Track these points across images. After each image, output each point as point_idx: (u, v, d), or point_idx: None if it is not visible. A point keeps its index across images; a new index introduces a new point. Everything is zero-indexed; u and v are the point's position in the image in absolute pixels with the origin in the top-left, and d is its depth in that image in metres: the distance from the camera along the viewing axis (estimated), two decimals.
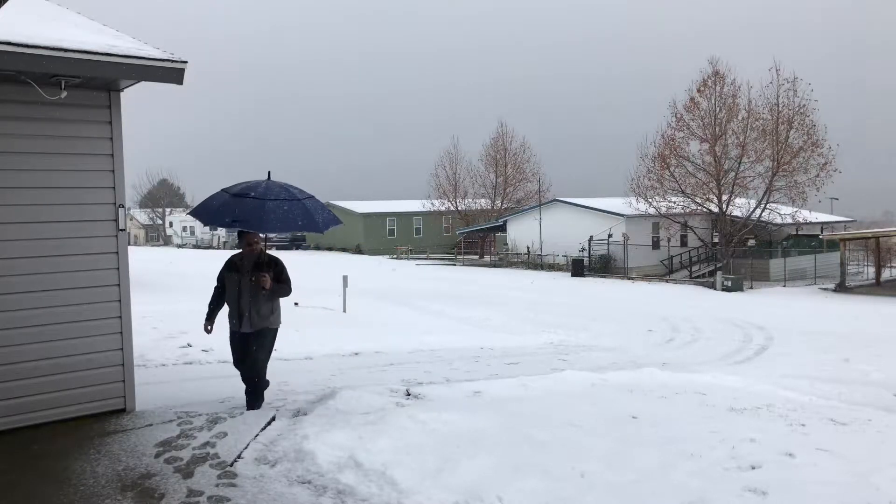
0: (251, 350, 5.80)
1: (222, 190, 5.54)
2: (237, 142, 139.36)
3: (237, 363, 5.95)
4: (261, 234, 5.84)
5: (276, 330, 5.96)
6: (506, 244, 44.78)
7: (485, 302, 20.55)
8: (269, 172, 5.72)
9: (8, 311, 4.78)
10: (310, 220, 5.39)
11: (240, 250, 5.99)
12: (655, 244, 37.58)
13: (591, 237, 35.98)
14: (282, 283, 5.90)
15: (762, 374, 9.63)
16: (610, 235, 35.79)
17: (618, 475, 4.20)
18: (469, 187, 53.52)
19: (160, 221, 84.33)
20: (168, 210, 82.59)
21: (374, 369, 9.10)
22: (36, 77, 4.57)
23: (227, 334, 5.96)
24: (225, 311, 5.98)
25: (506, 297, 22.59)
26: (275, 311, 5.88)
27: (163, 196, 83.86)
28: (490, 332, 14.39)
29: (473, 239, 50.22)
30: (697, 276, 34.66)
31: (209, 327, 5.92)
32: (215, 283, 5.97)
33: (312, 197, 5.68)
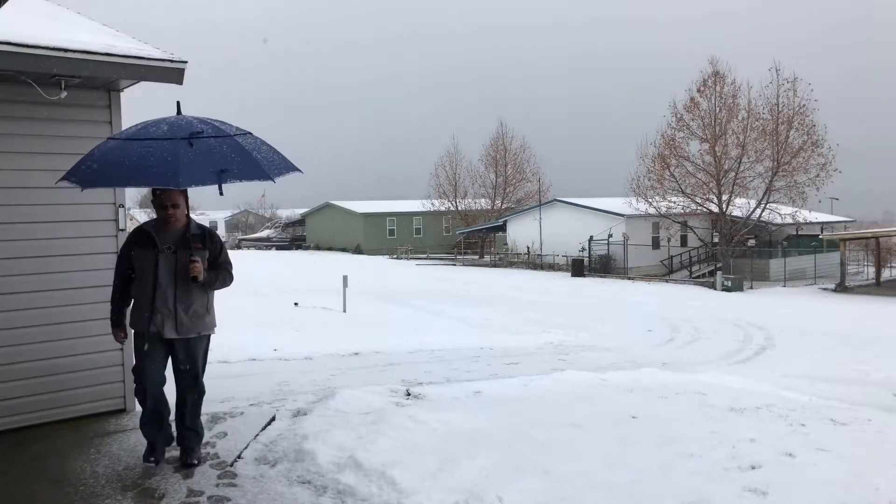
0: (178, 368, 4.16)
1: (109, 138, 3.99)
2: None
3: (148, 384, 4.10)
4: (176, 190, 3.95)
5: (209, 338, 4.27)
6: (506, 244, 44.80)
7: (485, 302, 20.56)
8: (177, 103, 3.99)
9: (8, 311, 4.78)
10: (248, 163, 3.65)
11: (153, 218, 4.19)
12: (655, 244, 37.59)
13: (591, 237, 35.98)
14: (220, 269, 4.16)
15: (762, 374, 9.62)
16: (610, 235, 35.79)
17: (618, 475, 4.20)
18: (469, 187, 53.60)
19: None
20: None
21: (374, 369, 9.10)
22: (36, 77, 4.57)
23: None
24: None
25: (506, 297, 22.59)
26: (210, 310, 4.17)
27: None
28: (490, 332, 14.40)
29: (473, 239, 50.23)
30: (697, 276, 34.68)
31: (122, 334, 4.21)
32: (116, 267, 4.17)
33: (249, 133, 3.94)
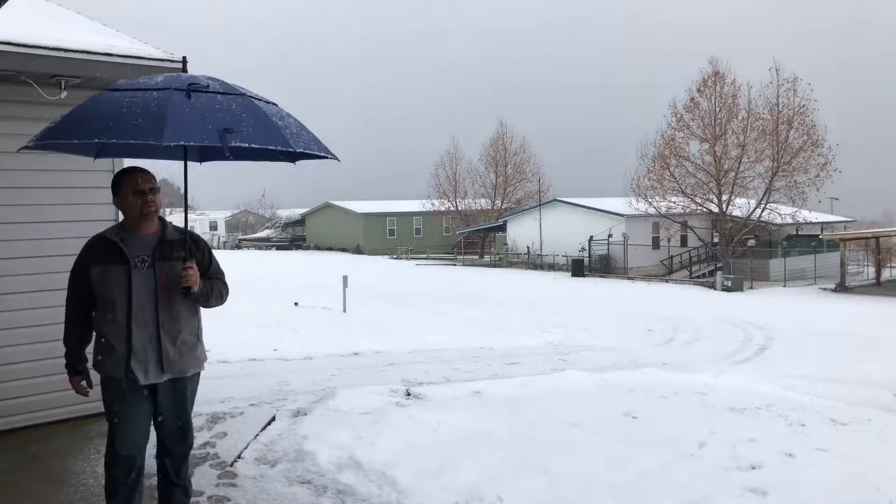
0: (162, 418, 3.16)
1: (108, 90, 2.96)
2: None
3: (127, 448, 3.08)
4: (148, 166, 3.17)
5: (199, 375, 3.32)
6: (506, 244, 44.78)
7: (485, 302, 20.55)
8: (183, 59, 3.22)
9: (7, 312, 4.79)
10: (263, 126, 2.80)
11: (116, 224, 3.21)
12: (655, 244, 37.58)
13: (591, 237, 35.97)
14: (214, 280, 3.25)
15: (762, 374, 9.63)
16: (610, 235, 35.79)
17: (618, 475, 4.20)
18: (469, 187, 53.57)
19: None
20: (168, 210, 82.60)
21: (374, 369, 9.10)
22: (36, 77, 4.57)
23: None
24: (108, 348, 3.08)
25: (506, 297, 22.58)
26: (200, 337, 3.25)
27: (163, 196, 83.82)
28: (490, 332, 14.39)
29: (473, 239, 50.22)
30: (697, 276, 34.66)
31: (84, 383, 3.18)
32: (69, 291, 3.14)
33: (273, 104, 3.09)
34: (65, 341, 3.16)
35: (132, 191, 3.03)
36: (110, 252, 3.02)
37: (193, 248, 3.14)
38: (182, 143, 2.75)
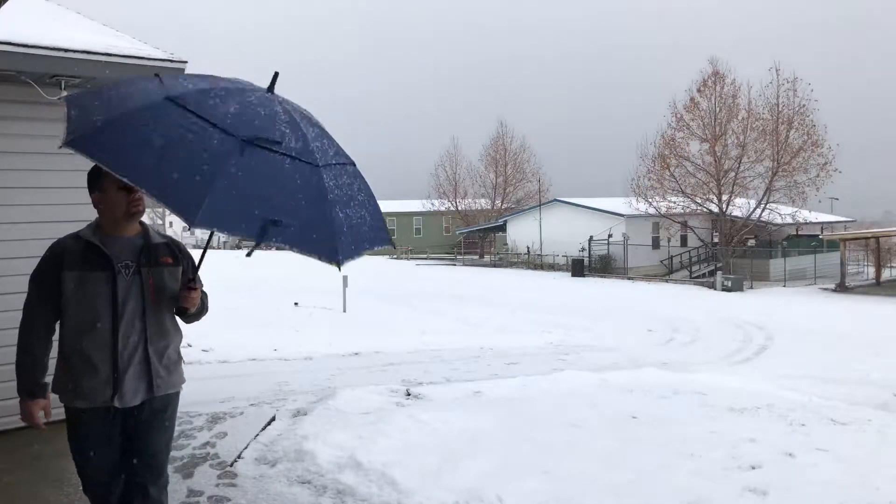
0: (142, 440, 2.73)
1: (156, 75, 2.44)
2: None
3: (105, 479, 2.75)
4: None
5: (179, 396, 2.87)
6: (506, 244, 44.80)
7: (485, 302, 20.55)
8: (274, 75, 2.43)
9: (8, 311, 4.78)
10: (317, 225, 2.32)
11: (91, 223, 2.73)
12: (655, 244, 37.60)
13: (591, 237, 35.98)
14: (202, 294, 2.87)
15: (762, 374, 9.64)
16: (610, 235, 35.79)
17: (618, 475, 4.20)
18: (469, 187, 53.61)
19: (160, 221, 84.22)
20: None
21: (374, 369, 9.10)
22: (36, 77, 4.57)
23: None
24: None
25: (506, 297, 22.59)
26: (181, 356, 2.89)
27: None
28: (490, 332, 14.40)
29: (473, 239, 50.23)
30: (697, 276, 34.67)
31: (42, 412, 2.67)
32: (34, 302, 2.81)
33: (349, 163, 2.67)
34: (23, 362, 2.66)
35: (117, 186, 2.57)
36: (90, 256, 2.62)
37: (178, 252, 2.80)
38: (214, 230, 2.20)
